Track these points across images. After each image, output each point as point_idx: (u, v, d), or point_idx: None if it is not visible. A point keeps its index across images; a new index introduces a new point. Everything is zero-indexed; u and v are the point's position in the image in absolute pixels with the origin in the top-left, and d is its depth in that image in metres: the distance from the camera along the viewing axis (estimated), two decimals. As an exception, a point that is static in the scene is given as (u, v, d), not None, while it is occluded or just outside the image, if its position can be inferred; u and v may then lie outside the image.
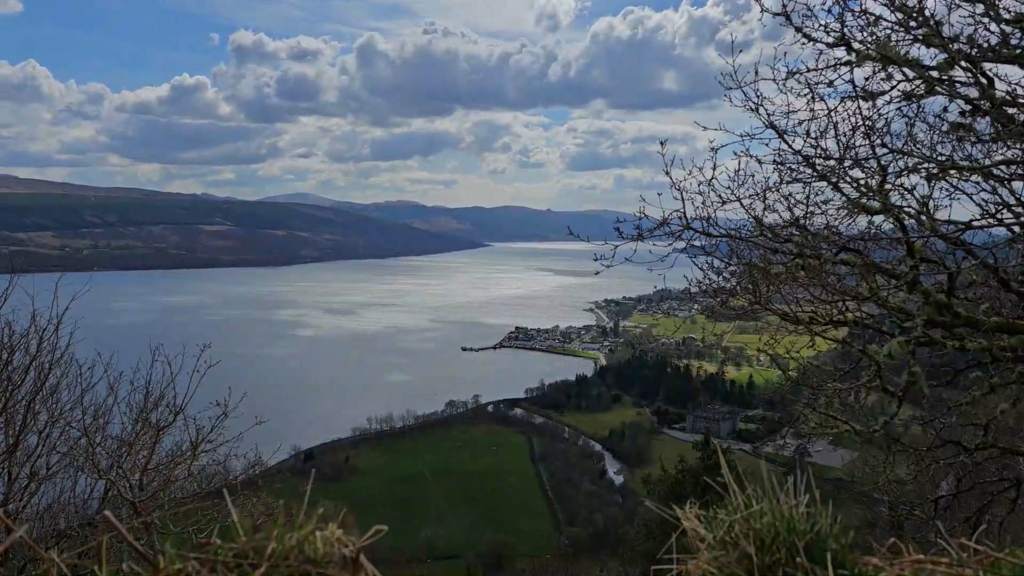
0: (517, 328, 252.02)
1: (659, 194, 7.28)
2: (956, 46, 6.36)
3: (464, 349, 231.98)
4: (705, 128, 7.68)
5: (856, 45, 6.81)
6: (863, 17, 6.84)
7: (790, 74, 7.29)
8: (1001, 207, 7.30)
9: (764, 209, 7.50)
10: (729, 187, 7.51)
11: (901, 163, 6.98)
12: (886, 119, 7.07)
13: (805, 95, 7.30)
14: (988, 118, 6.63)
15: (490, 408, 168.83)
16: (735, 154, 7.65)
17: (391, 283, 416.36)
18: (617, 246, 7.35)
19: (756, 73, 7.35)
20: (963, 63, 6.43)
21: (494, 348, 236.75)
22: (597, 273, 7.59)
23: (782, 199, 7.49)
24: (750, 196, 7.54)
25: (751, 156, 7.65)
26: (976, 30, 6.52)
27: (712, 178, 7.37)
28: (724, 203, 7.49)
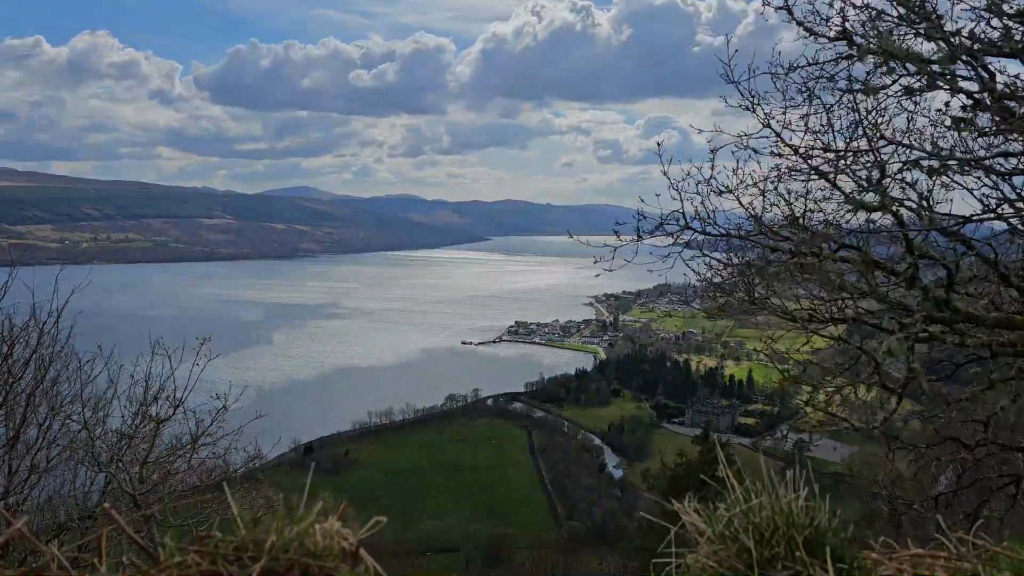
0: (517, 322, 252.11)
1: (657, 195, 7.28)
2: (957, 40, 6.34)
3: (464, 343, 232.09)
4: (700, 131, 7.69)
5: (857, 39, 6.79)
6: (865, 11, 6.82)
7: (791, 69, 7.27)
8: (1002, 202, 7.29)
9: (762, 207, 7.50)
10: (727, 185, 7.51)
11: (902, 157, 6.97)
12: (887, 114, 7.06)
13: (804, 91, 7.29)
14: (989, 112, 6.61)
15: (489, 402, 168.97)
16: (732, 152, 7.65)
17: (388, 279, 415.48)
18: (616, 248, 7.36)
19: (755, 70, 7.33)
20: (964, 57, 6.41)
21: (494, 342, 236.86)
22: (597, 275, 7.61)
23: (780, 196, 7.48)
24: (748, 194, 7.53)
25: (749, 150, 7.63)
26: (977, 24, 6.51)
27: (711, 177, 7.36)
28: (722, 198, 7.48)
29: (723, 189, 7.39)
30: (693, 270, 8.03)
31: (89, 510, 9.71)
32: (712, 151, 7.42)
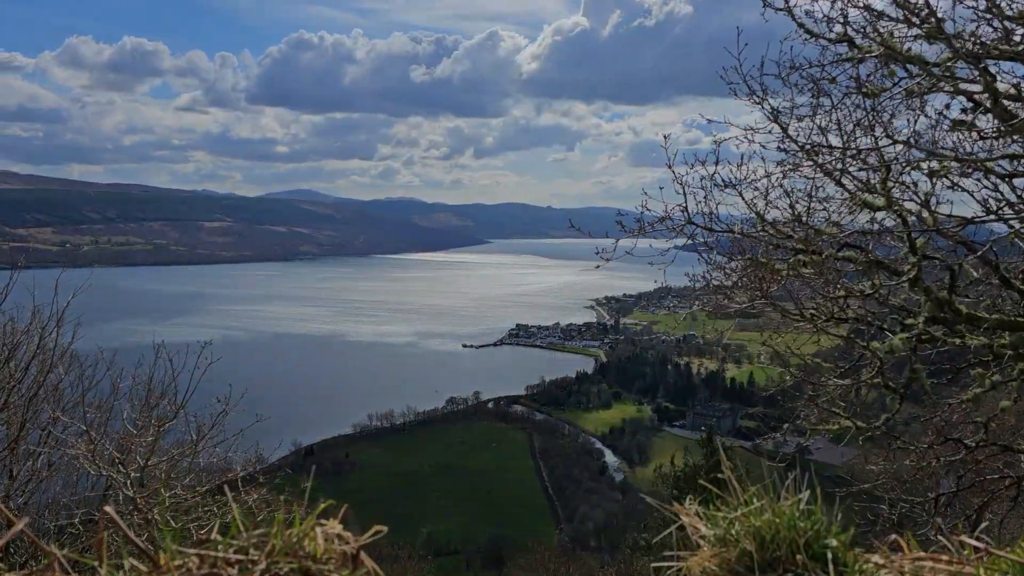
0: (518, 325, 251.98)
1: (661, 188, 7.25)
2: (958, 42, 6.34)
3: (465, 346, 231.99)
4: (710, 120, 7.67)
5: (859, 41, 6.79)
6: (865, 13, 6.82)
7: (793, 69, 7.26)
8: (1002, 204, 7.28)
9: (766, 204, 7.48)
10: (731, 182, 7.49)
11: (903, 159, 6.96)
12: (889, 114, 7.05)
13: (809, 90, 7.29)
14: (990, 114, 6.61)
15: (490, 405, 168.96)
16: (736, 149, 7.64)
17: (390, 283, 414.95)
18: (618, 241, 7.31)
19: (761, 67, 7.32)
20: (965, 59, 6.41)
21: (495, 345, 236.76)
22: (598, 267, 7.56)
23: (784, 194, 7.47)
24: (752, 192, 7.52)
25: (754, 145, 7.61)
26: (978, 26, 6.50)
27: (714, 172, 7.35)
28: (725, 194, 7.46)
29: (727, 183, 7.37)
30: (702, 260, 7.99)
31: (90, 513, 9.70)
32: (716, 143, 7.40)
